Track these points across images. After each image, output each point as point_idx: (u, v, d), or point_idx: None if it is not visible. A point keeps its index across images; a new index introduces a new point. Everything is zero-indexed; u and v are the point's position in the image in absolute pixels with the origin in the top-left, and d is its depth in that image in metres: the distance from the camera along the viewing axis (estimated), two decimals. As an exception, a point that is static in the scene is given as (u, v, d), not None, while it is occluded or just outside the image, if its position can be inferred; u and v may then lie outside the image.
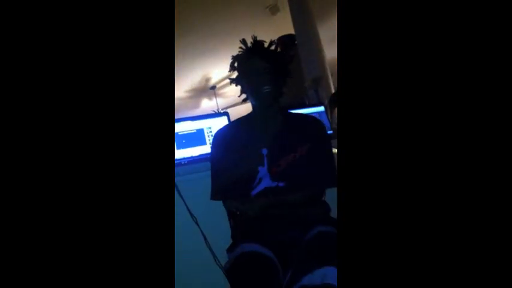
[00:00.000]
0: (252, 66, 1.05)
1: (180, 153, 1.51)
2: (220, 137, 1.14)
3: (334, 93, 2.23)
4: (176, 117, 1.33)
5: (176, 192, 1.25)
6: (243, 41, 1.08)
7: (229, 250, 1.03)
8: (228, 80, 1.18)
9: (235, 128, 1.16)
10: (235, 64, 1.10)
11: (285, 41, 3.30)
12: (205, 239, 1.22)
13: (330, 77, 3.28)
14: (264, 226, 1.00)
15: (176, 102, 5.24)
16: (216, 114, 1.67)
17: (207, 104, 5.98)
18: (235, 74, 1.14)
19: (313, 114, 1.67)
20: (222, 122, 1.62)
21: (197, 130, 1.57)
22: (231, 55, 1.12)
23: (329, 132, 1.66)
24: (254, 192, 1.05)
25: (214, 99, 5.72)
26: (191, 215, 1.25)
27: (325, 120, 1.77)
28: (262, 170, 1.03)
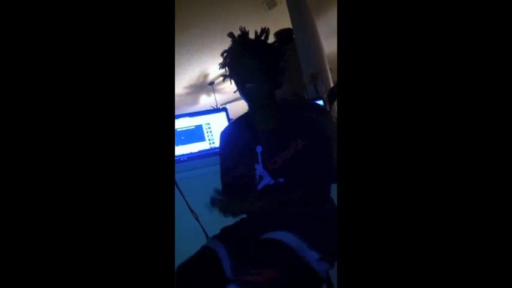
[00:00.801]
0: (238, 63, 1.02)
1: (179, 150, 1.50)
2: (223, 137, 1.16)
3: (332, 87, 2.23)
4: (175, 113, 1.33)
5: (176, 189, 1.24)
6: (231, 34, 1.04)
7: None
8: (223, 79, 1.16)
9: (235, 126, 1.16)
10: (227, 61, 1.06)
11: (283, 35, 3.29)
12: (206, 235, 1.22)
13: (328, 71, 3.27)
14: (241, 225, 1.03)
15: (175, 98, 5.23)
16: (215, 110, 1.66)
17: (206, 100, 5.97)
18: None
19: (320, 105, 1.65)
20: (221, 117, 1.61)
21: (196, 126, 1.57)
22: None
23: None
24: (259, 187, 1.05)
25: (212, 95, 5.71)
26: (191, 211, 1.25)
27: (324, 115, 1.76)
28: (259, 168, 1.03)
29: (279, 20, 3.70)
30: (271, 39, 1.07)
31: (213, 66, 4.80)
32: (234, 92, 1.13)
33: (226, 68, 1.07)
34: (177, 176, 1.23)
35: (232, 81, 1.08)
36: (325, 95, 2.14)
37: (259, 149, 1.04)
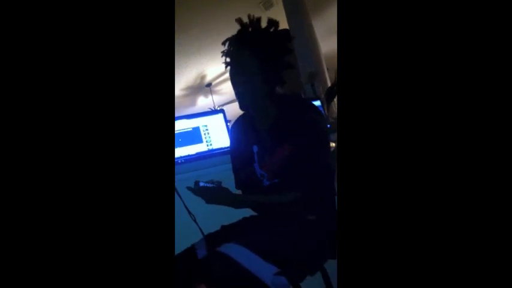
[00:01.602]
0: (236, 60, 0.98)
1: (176, 152, 1.50)
2: (231, 131, 1.17)
3: (330, 87, 2.23)
4: (172, 115, 1.32)
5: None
6: (240, 20, 0.98)
7: None
8: (223, 77, 1.16)
9: (238, 123, 1.15)
10: (230, 48, 1.01)
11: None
12: (204, 236, 1.21)
13: (326, 71, 3.27)
14: (226, 230, 1.03)
15: (172, 100, 5.21)
16: (212, 112, 1.66)
17: (204, 102, 5.97)
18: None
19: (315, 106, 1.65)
20: (218, 119, 1.61)
21: (193, 128, 1.56)
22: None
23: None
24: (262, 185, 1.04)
25: (210, 96, 5.71)
26: (189, 213, 1.24)
27: (321, 115, 1.76)
28: (257, 168, 1.02)
29: (276, 21, 3.70)
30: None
31: (210, 68, 4.79)
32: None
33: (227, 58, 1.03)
34: (175, 178, 1.23)
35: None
36: (322, 95, 2.14)
37: (255, 148, 1.03)
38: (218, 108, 1.73)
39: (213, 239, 0.99)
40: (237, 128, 1.14)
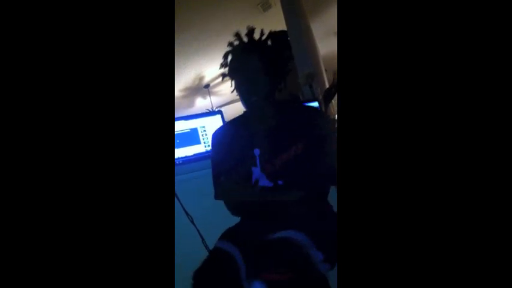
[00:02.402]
0: (244, 65, 1.02)
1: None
2: (217, 138, 1.14)
3: (328, 88, 2.23)
4: (170, 116, 1.32)
5: (171, 193, 1.24)
6: (237, 35, 1.04)
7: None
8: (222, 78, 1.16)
9: (231, 128, 1.15)
10: (228, 59, 1.06)
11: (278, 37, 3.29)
12: (202, 238, 1.21)
13: (324, 72, 3.28)
14: (245, 225, 1.01)
15: (170, 101, 5.20)
16: (210, 113, 1.66)
17: (202, 103, 5.96)
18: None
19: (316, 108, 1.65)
20: (216, 120, 1.61)
21: (191, 129, 1.56)
22: (223, 53, 1.09)
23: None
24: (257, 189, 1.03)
25: (208, 97, 5.70)
26: (187, 214, 1.24)
27: (319, 116, 1.76)
28: (256, 171, 1.02)
29: (274, 22, 3.70)
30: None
31: (208, 69, 4.79)
32: (232, 91, 1.11)
33: (227, 68, 1.07)
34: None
35: (232, 82, 1.07)
36: (320, 96, 2.14)
37: (257, 151, 1.03)
38: (216, 110, 1.73)
39: (245, 237, 0.98)
40: (232, 130, 1.13)
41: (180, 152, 1.51)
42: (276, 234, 0.88)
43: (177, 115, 1.58)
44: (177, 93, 5.41)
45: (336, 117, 1.86)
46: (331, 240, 0.84)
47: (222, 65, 1.08)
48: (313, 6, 3.63)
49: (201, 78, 5.18)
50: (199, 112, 1.72)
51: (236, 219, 1.11)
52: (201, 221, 1.25)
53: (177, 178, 1.29)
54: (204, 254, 1.17)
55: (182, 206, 1.23)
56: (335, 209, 1.06)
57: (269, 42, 1.05)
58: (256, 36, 1.05)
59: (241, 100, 1.07)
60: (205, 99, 5.86)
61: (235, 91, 1.11)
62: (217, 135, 1.14)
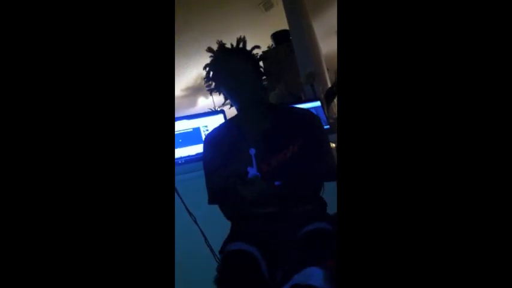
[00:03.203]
0: (229, 71, 1.04)
1: (176, 153, 1.50)
2: (210, 140, 1.13)
3: (330, 87, 2.23)
4: (172, 116, 1.33)
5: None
6: (210, 49, 1.09)
7: (221, 251, 1.04)
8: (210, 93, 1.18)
9: (224, 129, 1.15)
10: (210, 73, 1.10)
11: (280, 37, 3.29)
12: (205, 237, 1.21)
13: (325, 71, 3.27)
14: (254, 225, 1.01)
15: (172, 101, 5.21)
16: (212, 113, 1.66)
17: (204, 102, 5.96)
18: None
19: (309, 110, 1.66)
20: (219, 120, 1.61)
21: (193, 129, 1.56)
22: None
23: (326, 127, 1.66)
24: None
25: (210, 97, 5.70)
26: (190, 214, 1.24)
27: (321, 115, 1.77)
28: (252, 171, 1.02)
29: (276, 22, 3.70)
30: (268, 40, 1.10)
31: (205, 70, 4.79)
32: (223, 103, 1.14)
33: (212, 82, 1.10)
34: (175, 179, 1.23)
35: (216, 93, 1.11)
36: (322, 96, 2.14)
37: (252, 151, 1.03)
38: (218, 109, 1.73)
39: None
40: (225, 132, 1.13)
41: (182, 152, 1.52)
42: (305, 229, 0.93)
43: (179, 115, 1.58)
44: (179, 92, 5.41)
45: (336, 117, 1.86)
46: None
47: (206, 81, 1.12)
48: (315, 5, 3.63)
49: (203, 78, 5.17)
50: (202, 112, 1.73)
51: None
52: (203, 221, 1.25)
53: (179, 177, 1.29)
54: (206, 253, 1.18)
55: (185, 205, 1.23)
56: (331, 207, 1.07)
57: (242, 47, 1.08)
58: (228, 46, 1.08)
59: (234, 105, 1.09)
60: (207, 99, 5.86)
61: (226, 102, 1.12)
62: (209, 138, 1.14)
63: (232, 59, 1.04)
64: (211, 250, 1.19)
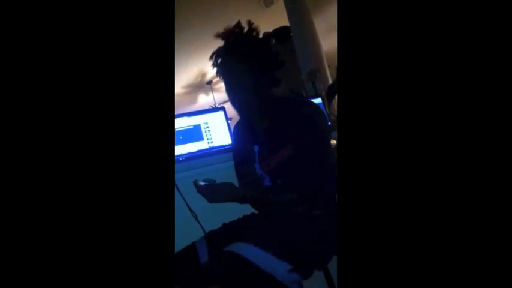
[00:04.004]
0: (226, 72, 1.00)
1: (177, 150, 1.50)
2: (235, 129, 1.19)
3: (331, 84, 2.23)
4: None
5: (175, 189, 1.24)
6: (222, 35, 1.01)
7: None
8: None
9: (240, 123, 1.17)
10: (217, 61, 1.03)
11: (281, 34, 3.29)
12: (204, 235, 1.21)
13: (326, 68, 3.27)
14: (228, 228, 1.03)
15: (173, 98, 5.22)
16: (213, 109, 1.66)
17: (204, 100, 5.97)
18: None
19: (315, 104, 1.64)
20: (219, 117, 1.61)
21: (194, 126, 1.56)
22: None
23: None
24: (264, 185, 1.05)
25: (211, 94, 5.71)
26: (191, 211, 1.24)
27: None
28: (258, 168, 1.02)
29: (277, 18, 3.69)
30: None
31: (211, 66, 4.79)
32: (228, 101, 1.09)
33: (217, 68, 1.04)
34: (176, 176, 1.23)
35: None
36: (323, 92, 2.13)
37: (256, 148, 1.03)
38: (219, 106, 1.72)
39: (216, 238, 0.99)
40: (238, 128, 1.17)
41: (183, 149, 1.51)
42: (230, 246, 0.84)
43: (179, 112, 1.58)
44: (179, 90, 5.41)
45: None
46: (309, 249, 0.84)
47: (213, 65, 1.05)
48: (315, 2, 3.62)
49: (203, 75, 5.18)
50: (202, 109, 1.72)
51: (237, 216, 1.11)
52: (204, 218, 1.25)
53: (180, 175, 1.29)
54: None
55: (186, 202, 1.23)
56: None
57: (251, 38, 1.00)
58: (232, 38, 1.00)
59: (231, 102, 1.05)
60: (208, 96, 5.86)
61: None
62: (235, 128, 1.19)
63: (233, 58, 0.98)
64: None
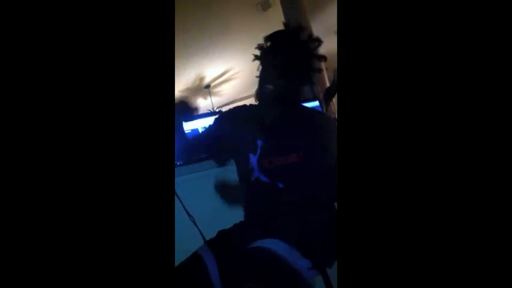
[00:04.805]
0: (267, 60, 1.02)
1: (175, 154, 1.49)
2: (228, 113, 1.17)
3: (328, 87, 2.23)
4: (170, 117, 1.32)
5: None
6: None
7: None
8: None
9: (243, 111, 1.16)
10: (268, 44, 1.06)
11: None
12: (204, 239, 1.21)
13: (324, 71, 3.27)
14: (232, 232, 1.03)
15: (171, 102, 5.21)
16: (211, 114, 1.66)
17: (203, 103, 5.96)
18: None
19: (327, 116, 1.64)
20: (217, 120, 1.60)
21: (192, 130, 1.56)
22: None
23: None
24: (252, 178, 1.04)
25: (209, 98, 5.70)
26: (189, 215, 1.24)
27: (320, 115, 1.76)
28: (253, 159, 1.02)
29: (274, 22, 3.70)
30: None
31: (209, 69, 4.79)
32: (256, 76, 1.09)
33: (260, 51, 1.06)
34: (175, 180, 1.23)
35: (259, 66, 1.06)
36: (321, 95, 2.14)
37: (260, 142, 1.03)
38: (217, 110, 1.72)
39: (229, 239, 0.99)
40: (245, 113, 1.14)
41: (181, 153, 1.51)
42: (256, 243, 0.86)
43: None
44: (177, 93, 5.41)
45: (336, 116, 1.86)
46: (324, 248, 0.85)
47: (259, 47, 1.07)
48: (312, 5, 3.63)
49: (201, 79, 5.18)
50: (200, 113, 1.72)
51: (235, 220, 1.11)
52: (202, 222, 1.24)
53: (178, 179, 1.28)
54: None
55: (184, 206, 1.23)
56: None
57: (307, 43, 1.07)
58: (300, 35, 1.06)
59: (258, 86, 1.06)
60: (206, 100, 5.86)
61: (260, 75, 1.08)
62: (229, 111, 1.17)
63: (276, 50, 1.01)
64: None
